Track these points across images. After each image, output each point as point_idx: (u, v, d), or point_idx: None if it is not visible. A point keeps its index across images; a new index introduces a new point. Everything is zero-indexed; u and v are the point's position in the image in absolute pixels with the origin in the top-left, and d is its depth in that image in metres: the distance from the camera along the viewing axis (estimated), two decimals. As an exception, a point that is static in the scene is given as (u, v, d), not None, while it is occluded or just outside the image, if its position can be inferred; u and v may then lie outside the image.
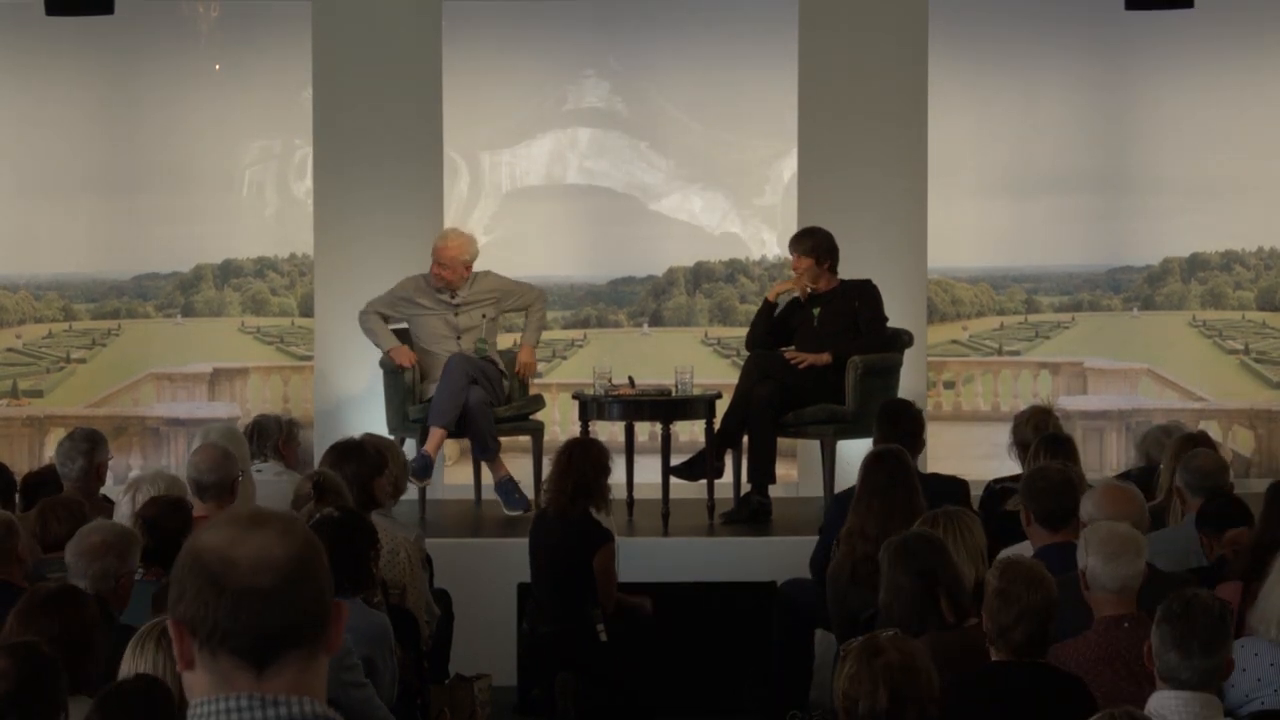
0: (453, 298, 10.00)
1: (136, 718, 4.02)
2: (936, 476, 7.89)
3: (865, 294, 9.69)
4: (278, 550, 2.22)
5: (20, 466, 9.35)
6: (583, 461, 7.54)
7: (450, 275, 9.97)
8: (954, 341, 11.51)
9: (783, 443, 9.76)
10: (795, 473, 10.64)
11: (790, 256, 9.81)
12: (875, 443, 7.87)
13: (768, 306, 9.79)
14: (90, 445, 7.51)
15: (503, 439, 9.77)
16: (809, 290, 9.65)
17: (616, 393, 9.38)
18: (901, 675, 4.28)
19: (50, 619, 4.67)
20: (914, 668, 4.31)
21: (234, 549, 2.22)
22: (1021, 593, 4.95)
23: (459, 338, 9.97)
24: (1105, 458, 11.22)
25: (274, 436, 9.19)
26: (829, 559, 7.21)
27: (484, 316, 10.05)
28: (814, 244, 9.65)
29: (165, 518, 5.87)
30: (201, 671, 2.22)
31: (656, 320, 11.43)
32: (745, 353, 9.84)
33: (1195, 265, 11.55)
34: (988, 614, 4.99)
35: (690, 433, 10.32)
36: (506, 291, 10.14)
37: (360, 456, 7.01)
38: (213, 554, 2.22)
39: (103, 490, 7.82)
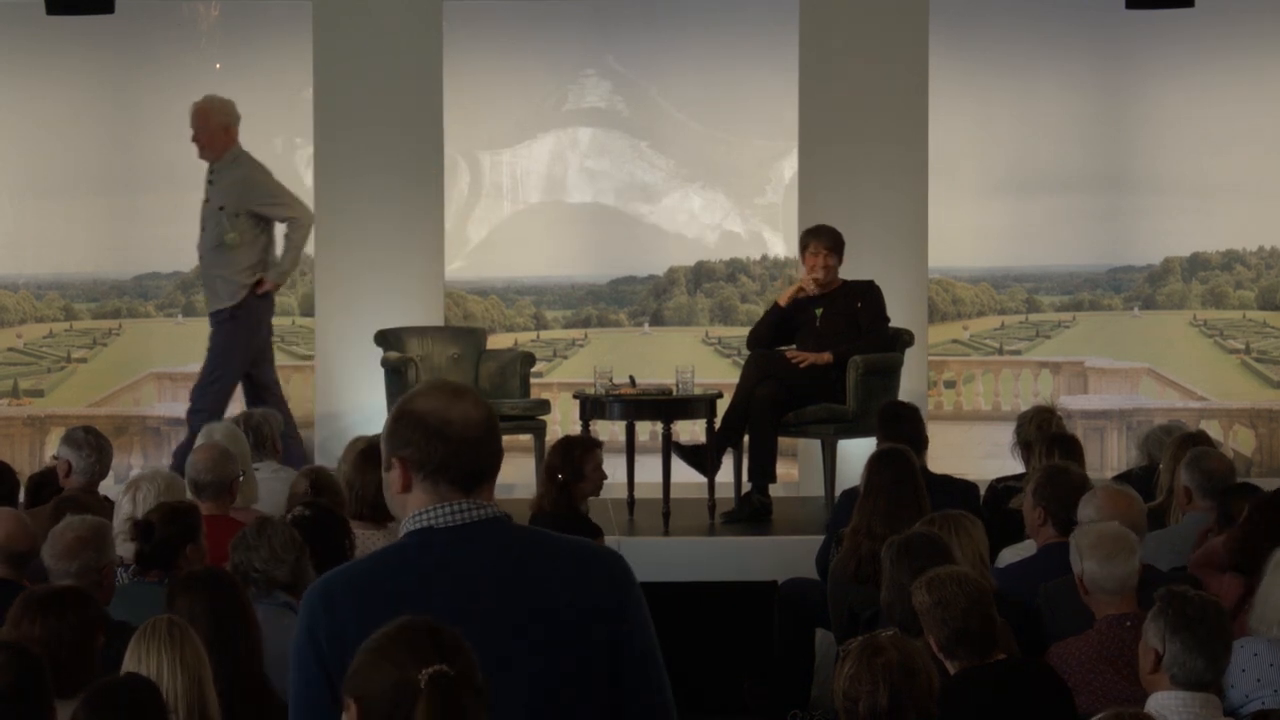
0: (210, 173, 9.41)
1: (123, 716, 4.02)
2: (948, 478, 7.88)
3: (868, 294, 9.68)
4: (475, 414, 3.14)
5: (20, 466, 9.35)
6: (564, 458, 7.55)
7: (197, 138, 9.31)
8: (955, 341, 11.51)
9: (783, 442, 9.76)
10: (796, 472, 10.64)
11: (802, 251, 9.71)
12: (878, 445, 7.87)
13: (778, 310, 9.74)
14: (101, 442, 7.52)
15: (504, 438, 9.74)
16: (815, 290, 9.62)
17: (617, 392, 9.38)
18: (902, 675, 4.28)
19: (50, 620, 4.66)
20: (914, 668, 4.31)
21: (449, 411, 3.11)
22: (956, 592, 4.97)
23: (203, 229, 9.32)
24: (1106, 457, 11.22)
25: (270, 436, 9.17)
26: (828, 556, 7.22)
27: (220, 208, 9.45)
28: (836, 241, 9.62)
29: (165, 524, 5.86)
30: (420, 493, 3.11)
31: (657, 320, 11.43)
32: (746, 352, 9.84)
33: (1196, 265, 11.55)
34: (934, 629, 4.98)
35: (691, 432, 10.32)
36: (254, 186, 9.46)
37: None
38: (434, 415, 3.10)
39: (103, 490, 7.81)
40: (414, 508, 3.11)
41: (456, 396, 3.16)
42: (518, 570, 3.08)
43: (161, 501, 6.14)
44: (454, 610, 2.89)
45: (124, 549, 6.03)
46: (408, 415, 3.13)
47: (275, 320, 10.02)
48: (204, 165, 9.69)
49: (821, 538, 7.94)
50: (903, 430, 7.89)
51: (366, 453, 6.79)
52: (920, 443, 7.94)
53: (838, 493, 8.26)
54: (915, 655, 4.37)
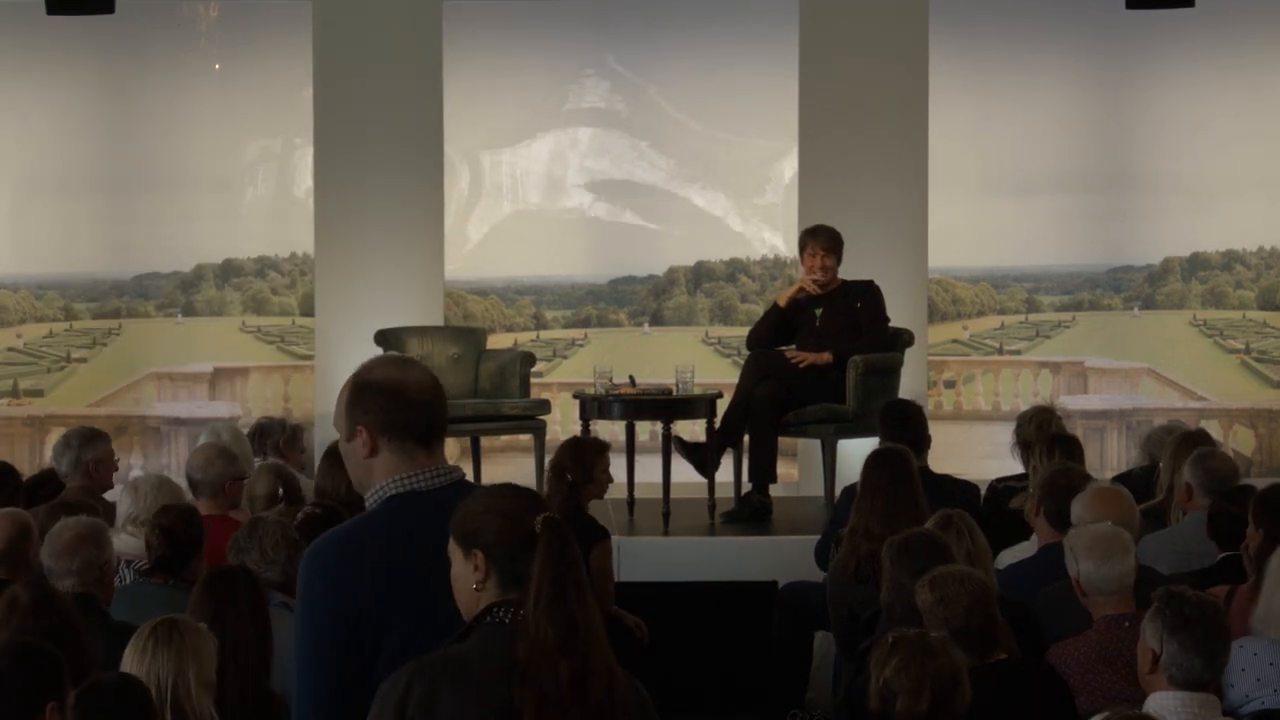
0: None
1: (114, 716, 4.02)
2: (948, 479, 7.87)
3: (868, 294, 9.68)
4: (426, 378, 3.55)
5: (21, 466, 9.34)
6: (574, 459, 7.52)
7: None
8: (955, 341, 11.51)
9: (783, 442, 9.76)
10: (796, 472, 10.64)
11: (800, 251, 9.71)
12: (880, 444, 7.86)
13: (777, 311, 9.74)
14: (80, 442, 7.45)
15: (504, 438, 9.76)
16: (816, 290, 9.62)
17: (617, 392, 9.37)
18: (949, 684, 4.26)
19: (24, 622, 4.66)
20: (960, 680, 4.29)
21: (405, 377, 3.52)
22: (959, 590, 4.97)
23: None
24: (1106, 457, 11.22)
25: (274, 436, 9.17)
26: (828, 548, 7.23)
27: None
28: (835, 242, 9.61)
29: (180, 527, 5.84)
30: (387, 454, 3.46)
31: (657, 320, 11.43)
32: (746, 352, 9.83)
33: (1196, 265, 11.55)
34: (936, 627, 4.97)
35: (691, 432, 10.32)
36: None
37: None
38: (390, 381, 3.50)
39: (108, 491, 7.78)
40: (384, 473, 3.48)
41: (407, 365, 3.59)
42: None
43: (169, 505, 6.12)
44: (440, 567, 3.26)
45: (127, 545, 6.03)
46: (367, 386, 3.51)
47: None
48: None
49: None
50: (905, 429, 7.88)
51: (333, 453, 6.80)
52: (923, 442, 7.93)
53: (837, 493, 8.26)
54: (962, 666, 4.35)
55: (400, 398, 3.49)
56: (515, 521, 3.17)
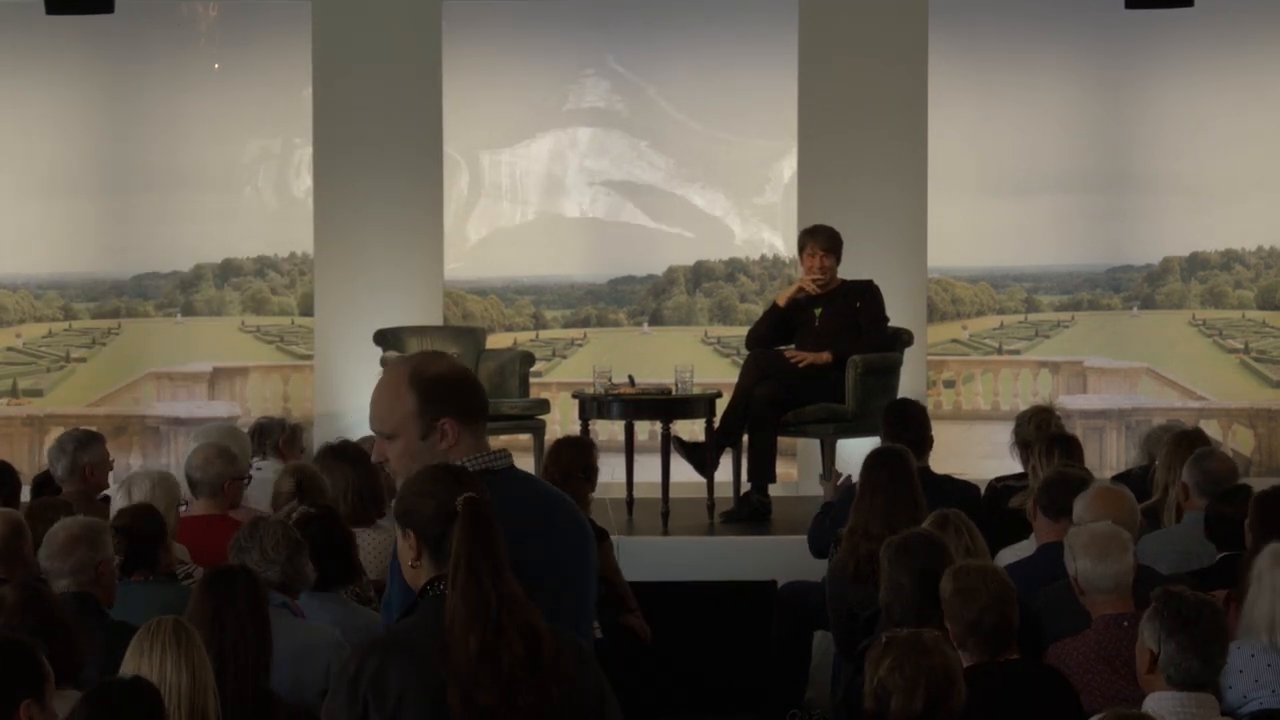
0: None
1: (123, 717, 4.02)
2: (949, 479, 7.87)
3: (867, 294, 9.67)
4: (462, 364, 3.85)
5: (20, 466, 9.33)
6: (569, 459, 7.52)
7: None
8: (954, 341, 11.51)
9: (783, 442, 9.76)
10: (795, 472, 10.65)
11: (800, 251, 9.71)
12: (881, 443, 7.86)
13: (777, 310, 9.74)
14: (75, 445, 7.42)
15: (504, 438, 9.75)
16: (815, 290, 9.62)
17: (616, 392, 9.37)
18: (943, 682, 4.26)
19: (12, 620, 4.66)
20: (954, 678, 4.29)
21: (460, 366, 3.81)
22: (980, 586, 4.97)
23: None
24: (1105, 457, 11.22)
25: (274, 435, 9.16)
26: (828, 535, 7.23)
27: None
28: (834, 242, 9.61)
29: (136, 524, 5.88)
30: (467, 438, 3.69)
31: (656, 319, 11.44)
32: (745, 352, 9.83)
33: (1195, 264, 11.55)
34: (952, 618, 4.98)
35: (690, 432, 10.31)
36: None
37: (359, 457, 6.98)
38: (455, 372, 3.75)
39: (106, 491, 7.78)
40: (461, 455, 3.67)
41: (443, 355, 3.87)
42: (539, 494, 3.79)
43: (123, 508, 6.15)
44: (526, 531, 3.52)
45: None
46: (436, 380, 3.72)
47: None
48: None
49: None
50: (907, 429, 7.87)
51: (335, 451, 6.79)
52: (924, 443, 7.92)
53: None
54: (957, 665, 4.35)
55: (471, 385, 3.77)
56: (441, 502, 3.35)
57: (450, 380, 3.73)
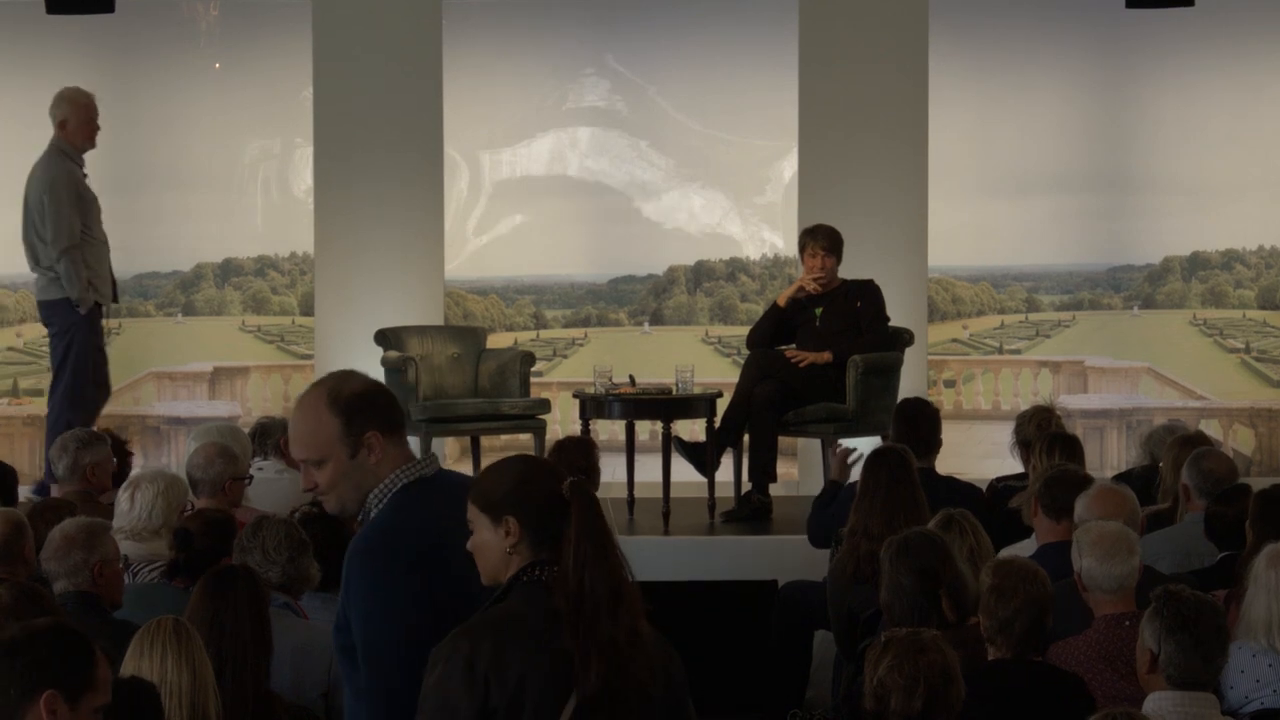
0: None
1: (123, 717, 4.01)
2: (952, 480, 7.87)
3: (867, 294, 9.68)
4: (374, 379, 3.84)
5: (20, 466, 9.34)
6: (570, 459, 7.51)
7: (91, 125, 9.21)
8: (954, 340, 11.52)
9: (783, 441, 9.76)
10: (796, 471, 10.65)
11: (800, 251, 9.71)
12: (889, 441, 7.86)
13: (777, 310, 9.74)
14: (78, 445, 7.41)
15: (504, 437, 9.76)
16: (816, 289, 9.62)
17: (617, 391, 9.38)
18: (942, 680, 4.26)
19: (6, 620, 4.66)
20: (953, 676, 4.29)
21: (373, 381, 3.81)
22: (1018, 586, 4.97)
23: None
24: (1106, 457, 11.22)
25: (275, 435, 9.16)
26: (828, 524, 7.22)
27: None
28: (835, 241, 9.62)
29: (204, 535, 5.82)
30: (393, 449, 3.76)
31: (657, 319, 11.44)
32: (746, 351, 9.84)
33: (1196, 264, 11.56)
34: (985, 612, 5.00)
35: (691, 432, 10.32)
36: None
37: None
38: (370, 387, 3.79)
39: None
40: (390, 468, 3.77)
41: (357, 373, 3.88)
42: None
43: (200, 509, 6.10)
44: (461, 542, 3.54)
45: (129, 548, 6.02)
46: (355, 397, 3.77)
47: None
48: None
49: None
50: (916, 429, 7.86)
51: None
52: (933, 444, 7.91)
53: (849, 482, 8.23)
54: (955, 663, 4.35)
55: (388, 397, 3.84)
56: (542, 487, 3.46)
57: (369, 395, 3.79)
